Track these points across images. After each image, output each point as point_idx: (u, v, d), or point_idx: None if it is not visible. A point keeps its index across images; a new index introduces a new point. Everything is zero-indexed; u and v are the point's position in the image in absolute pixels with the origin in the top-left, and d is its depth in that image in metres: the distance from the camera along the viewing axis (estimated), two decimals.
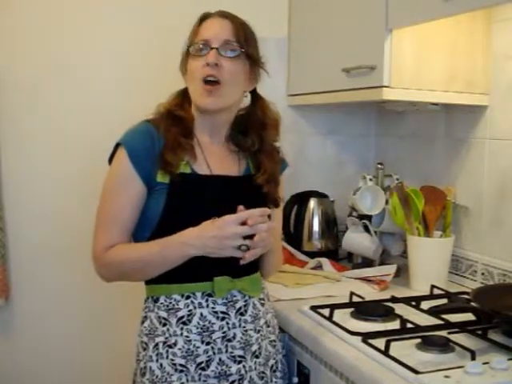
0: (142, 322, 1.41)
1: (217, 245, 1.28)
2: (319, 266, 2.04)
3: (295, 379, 1.53)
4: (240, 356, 1.38)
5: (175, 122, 1.40)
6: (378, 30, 1.70)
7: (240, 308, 1.39)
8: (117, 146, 1.39)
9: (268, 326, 1.46)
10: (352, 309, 1.56)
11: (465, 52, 1.77)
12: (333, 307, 1.53)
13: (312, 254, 2.13)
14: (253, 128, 1.47)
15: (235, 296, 1.39)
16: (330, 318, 1.49)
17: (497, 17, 1.77)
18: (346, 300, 1.64)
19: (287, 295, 1.73)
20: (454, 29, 1.74)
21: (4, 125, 1.98)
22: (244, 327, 1.39)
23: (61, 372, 2.09)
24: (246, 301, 1.41)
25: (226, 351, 1.36)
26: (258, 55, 1.44)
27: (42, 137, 2.02)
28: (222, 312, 1.37)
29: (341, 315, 1.52)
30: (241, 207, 1.31)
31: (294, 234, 2.22)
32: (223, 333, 1.36)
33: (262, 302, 1.46)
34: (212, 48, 1.35)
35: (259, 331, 1.42)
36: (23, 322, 2.05)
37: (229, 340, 1.37)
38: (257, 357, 1.41)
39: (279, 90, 2.24)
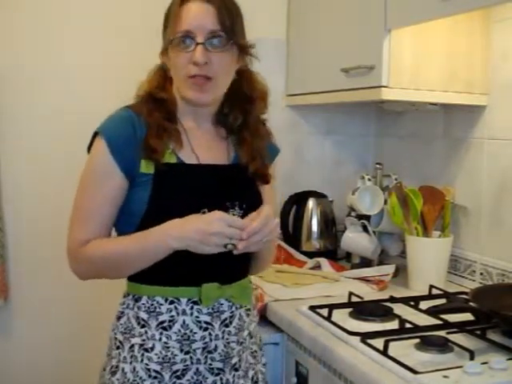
0: (118, 318, 1.32)
1: (200, 239, 1.16)
2: (318, 266, 2.04)
3: (294, 379, 1.53)
4: (218, 368, 1.27)
5: (157, 105, 1.29)
6: (376, 30, 1.70)
7: (225, 319, 1.29)
8: (95, 134, 1.28)
9: (251, 337, 1.36)
10: (351, 309, 1.56)
11: (463, 52, 1.77)
12: (331, 307, 1.53)
13: (311, 254, 2.13)
14: (238, 103, 1.35)
15: (222, 306, 1.28)
16: (328, 318, 1.49)
17: (495, 17, 1.77)
18: (345, 300, 1.64)
19: (286, 295, 1.73)
20: (453, 29, 1.74)
21: (4, 125, 1.98)
22: (227, 339, 1.28)
23: (60, 372, 2.09)
24: (232, 312, 1.30)
25: (205, 362, 1.26)
26: (245, 42, 1.31)
27: (41, 137, 2.02)
28: (206, 322, 1.26)
29: (339, 315, 1.52)
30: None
31: (292, 234, 2.22)
32: (204, 343, 1.25)
33: (248, 312, 1.35)
34: (198, 44, 1.22)
35: (242, 343, 1.32)
36: (22, 322, 2.05)
37: (209, 352, 1.26)
38: (236, 370, 1.30)
39: (278, 89, 2.24)
